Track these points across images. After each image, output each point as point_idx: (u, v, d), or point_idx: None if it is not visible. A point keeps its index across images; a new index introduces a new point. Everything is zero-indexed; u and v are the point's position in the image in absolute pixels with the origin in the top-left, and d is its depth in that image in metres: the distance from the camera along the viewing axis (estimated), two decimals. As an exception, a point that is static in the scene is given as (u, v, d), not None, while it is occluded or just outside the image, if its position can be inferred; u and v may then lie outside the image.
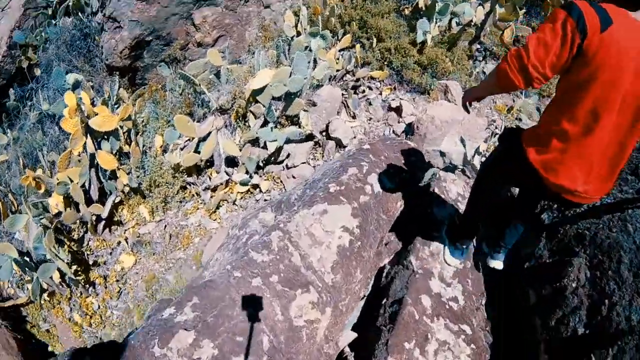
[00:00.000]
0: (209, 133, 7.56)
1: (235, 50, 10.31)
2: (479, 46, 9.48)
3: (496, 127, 8.08)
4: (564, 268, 3.70)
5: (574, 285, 3.56)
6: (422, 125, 7.09)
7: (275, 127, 7.51)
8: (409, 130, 7.37)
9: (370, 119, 8.14)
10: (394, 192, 5.05)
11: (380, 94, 8.51)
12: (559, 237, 4.06)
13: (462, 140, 6.70)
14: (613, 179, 2.98)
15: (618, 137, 2.76)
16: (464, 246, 4.43)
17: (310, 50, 8.08)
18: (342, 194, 4.62)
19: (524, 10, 9.55)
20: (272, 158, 7.61)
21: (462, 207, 4.94)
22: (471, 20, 8.95)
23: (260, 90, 7.32)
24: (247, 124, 7.73)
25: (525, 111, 8.38)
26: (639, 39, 2.46)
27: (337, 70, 8.45)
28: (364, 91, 8.50)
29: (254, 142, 7.59)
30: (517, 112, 8.38)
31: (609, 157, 2.84)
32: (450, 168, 6.79)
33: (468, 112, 3.61)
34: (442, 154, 6.96)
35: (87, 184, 7.39)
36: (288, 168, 7.63)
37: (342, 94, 8.13)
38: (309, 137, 7.71)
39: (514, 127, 4.12)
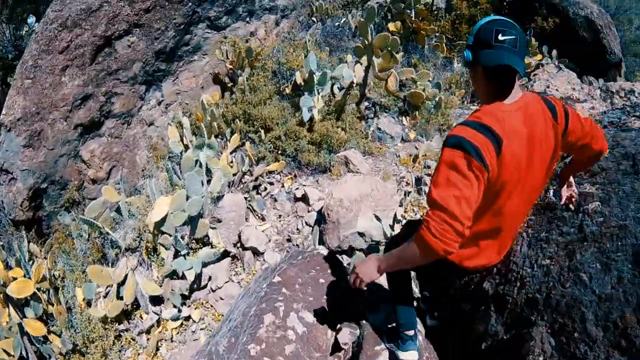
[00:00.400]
0: (126, 276, 7.21)
1: (130, 177, 9.98)
2: (367, 103, 9.40)
3: (407, 184, 7.95)
4: (525, 342, 3.26)
5: (541, 359, 3.14)
6: (332, 212, 6.86)
7: (188, 254, 7.18)
8: (321, 218, 7.17)
9: (280, 215, 7.88)
10: (322, 322, 4.76)
11: (283, 186, 8.25)
12: (509, 307, 3.57)
13: (377, 217, 6.53)
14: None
15: (524, 208, 3.06)
16: (410, 334, 3.76)
17: (201, 165, 7.83)
18: (264, 353, 4.33)
19: (401, 54, 9.57)
20: (195, 285, 7.29)
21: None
22: (352, 82, 8.83)
23: (163, 221, 7.01)
24: (159, 257, 7.39)
25: (432, 154, 8.31)
26: (526, 126, 2.63)
27: (234, 175, 8.19)
28: (265, 189, 8.22)
29: (172, 274, 7.25)
30: (423, 159, 8.30)
31: (516, 228, 3.21)
32: (373, 247, 6.60)
33: (361, 289, 3.14)
34: (361, 235, 6.77)
35: (24, 352, 6.94)
36: (213, 290, 7.28)
37: (245, 198, 7.87)
38: (225, 254, 7.39)
39: (416, 220, 3.96)
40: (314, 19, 12.93)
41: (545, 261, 3.51)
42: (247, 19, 11.92)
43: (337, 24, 12.46)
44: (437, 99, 9.32)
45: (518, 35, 2.53)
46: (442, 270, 3.48)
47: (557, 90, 7.57)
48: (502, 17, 2.65)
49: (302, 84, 8.80)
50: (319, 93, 8.64)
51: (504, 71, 2.55)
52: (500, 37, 2.52)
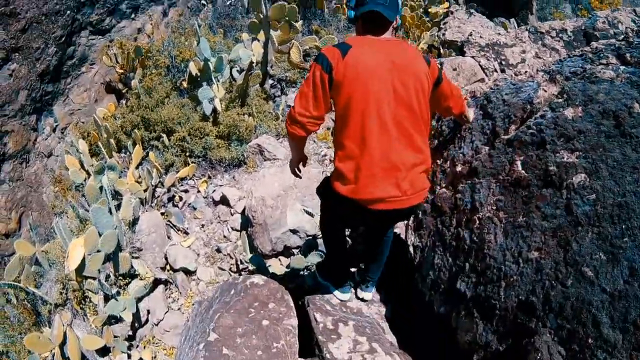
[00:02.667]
0: (65, 334, 6.14)
1: (41, 221, 8.60)
2: (271, 81, 8.31)
3: (330, 161, 6.96)
4: (529, 354, 2.60)
5: (551, 374, 2.48)
6: (256, 213, 5.78)
7: (118, 294, 6.09)
8: (247, 221, 6.10)
9: (203, 225, 6.75)
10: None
11: (199, 191, 7.09)
12: (498, 312, 2.89)
13: (306, 211, 5.62)
14: (420, 163, 3.11)
15: (399, 130, 2.97)
16: (346, 285, 4.24)
17: (106, 191, 6.64)
18: None
19: (300, 22, 8.50)
20: (136, 324, 6.22)
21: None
22: (251, 61, 7.70)
23: (82, 266, 5.88)
24: (91, 304, 6.29)
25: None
26: (380, 50, 2.93)
27: (145, 191, 7.01)
28: (181, 198, 7.06)
29: (110, 319, 6.17)
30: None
31: (401, 150, 2.98)
32: (310, 242, 5.68)
33: (300, 177, 3.85)
34: (294, 231, 5.76)
35: None
36: (156, 324, 6.26)
37: (162, 214, 6.73)
38: (156, 282, 6.33)
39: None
40: (203, 1, 11.64)
41: (532, 254, 2.82)
42: (132, 15, 10.55)
43: (228, 2, 11.25)
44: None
45: None
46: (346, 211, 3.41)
47: (481, 37, 6.80)
48: None
49: (198, 74, 7.64)
50: (217, 81, 7.49)
51: (375, 17, 2.93)
52: None
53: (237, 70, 8.05)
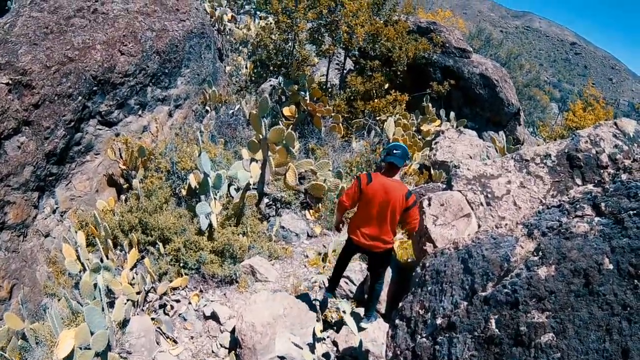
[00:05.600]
0: None
1: (32, 296, 8.41)
2: (267, 200, 8.46)
3: (320, 288, 7.06)
4: None
5: None
6: (245, 337, 5.81)
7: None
8: (236, 342, 6.11)
9: (192, 337, 6.69)
10: None
11: (190, 303, 7.09)
12: None
13: (295, 344, 5.69)
14: (382, 236, 5.58)
15: (379, 220, 5.53)
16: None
17: (100, 290, 6.61)
18: None
19: (297, 146, 8.75)
20: None
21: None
22: (248, 183, 7.87)
23: (70, 357, 5.80)
24: None
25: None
26: (384, 186, 5.39)
27: (138, 293, 7.01)
28: (172, 307, 7.04)
29: None
30: (333, 257, 7.44)
31: (374, 227, 5.59)
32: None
33: (340, 230, 6.33)
34: (282, 358, 5.79)
35: None
36: None
37: (152, 320, 6.71)
38: (142, 389, 6.22)
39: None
40: (207, 107, 11.89)
41: None
42: (140, 112, 10.77)
43: (231, 111, 11.50)
44: (340, 188, 8.55)
45: (401, 150, 5.53)
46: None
47: (468, 169, 6.88)
48: (397, 143, 5.89)
49: (197, 187, 7.77)
50: (215, 196, 7.61)
51: (392, 164, 5.50)
52: (394, 151, 5.52)
53: (235, 189, 8.17)
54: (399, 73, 13.88)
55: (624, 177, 4.43)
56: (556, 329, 2.99)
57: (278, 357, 5.75)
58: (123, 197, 9.64)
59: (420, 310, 4.96)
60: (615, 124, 6.83)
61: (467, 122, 15.10)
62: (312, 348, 5.76)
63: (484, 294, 3.95)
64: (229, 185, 8.09)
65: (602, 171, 6.30)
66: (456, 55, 16.15)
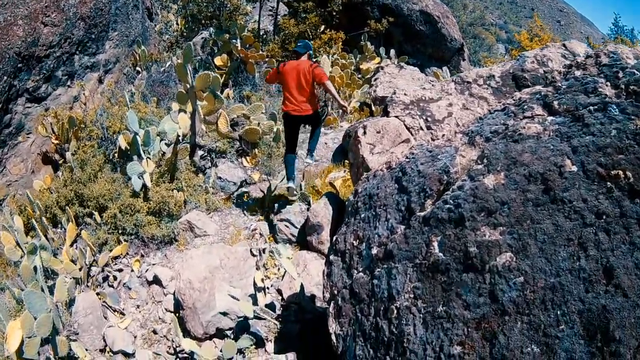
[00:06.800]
0: None
1: None
2: (201, 152, 7.96)
3: (260, 235, 6.65)
4: None
5: None
6: (185, 296, 5.40)
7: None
8: (178, 304, 5.71)
9: (138, 305, 6.27)
10: None
11: (132, 270, 6.64)
12: None
13: (233, 297, 5.29)
14: (307, 102, 6.95)
15: (299, 89, 6.89)
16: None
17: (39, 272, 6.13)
18: None
19: (228, 89, 8.22)
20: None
21: None
22: (178, 135, 7.34)
23: (20, 350, 5.38)
24: None
25: (282, 191, 7.05)
26: (293, 63, 6.95)
27: (80, 269, 6.52)
28: (115, 278, 6.58)
29: None
30: (272, 201, 7.00)
31: (298, 96, 6.91)
32: (243, 324, 5.35)
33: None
34: (225, 314, 5.40)
35: None
36: None
37: (97, 294, 6.27)
38: (97, 365, 5.83)
39: None
40: (138, 68, 11.22)
41: (455, 348, 2.46)
42: (69, 82, 10.07)
43: (162, 69, 10.86)
44: (275, 130, 8.05)
45: (303, 42, 7.32)
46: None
47: (405, 94, 6.29)
48: (302, 40, 8.17)
49: (128, 148, 7.23)
50: (148, 154, 7.09)
51: (297, 52, 7.22)
52: (298, 44, 7.33)
53: (166, 144, 7.65)
54: (334, 13, 13.33)
55: (577, 73, 3.76)
56: (514, 247, 2.45)
57: (220, 313, 5.37)
58: (59, 172, 9.08)
59: (354, 242, 4.30)
60: (564, 45, 6.17)
61: (409, 58, 14.57)
62: (254, 300, 5.36)
63: (422, 213, 3.37)
64: (161, 141, 7.54)
65: (551, 90, 5.69)
66: (395, -9, 15.55)
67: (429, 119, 5.97)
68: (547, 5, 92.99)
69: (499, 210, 2.67)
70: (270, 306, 5.51)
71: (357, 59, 13.46)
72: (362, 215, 4.42)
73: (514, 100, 3.82)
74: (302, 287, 5.22)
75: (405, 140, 5.97)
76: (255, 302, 5.31)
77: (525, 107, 3.49)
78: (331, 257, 4.64)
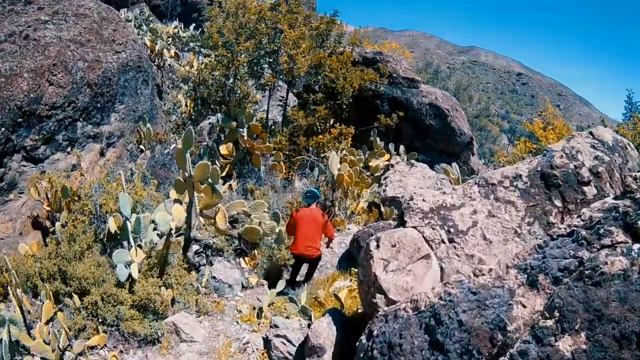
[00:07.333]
0: None
1: None
2: (197, 247, 7.74)
3: (253, 350, 6.37)
4: None
5: None
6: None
7: None
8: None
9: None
10: None
11: (109, 366, 6.29)
12: None
13: None
14: (315, 246, 8.13)
15: (309, 234, 8.05)
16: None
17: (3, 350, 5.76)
18: None
19: (229, 182, 8.11)
20: None
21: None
22: (171, 227, 7.13)
23: None
24: None
25: (281, 304, 6.82)
26: (306, 214, 8.16)
27: (52, 352, 6.11)
28: (91, 371, 6.23)
29: None
30: (269, 312, 6.79)
31: (308, 240, 8.01)
32: None
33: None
34: None
35: None
36: None
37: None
38: None
39: None
40: (142, 147, 11.10)
41: None
42: (69, 149, 9.89)
43: (166, 151, 10.76)
44: (277, 231, 7.91)
45: (310, 193, 8.69)
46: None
47: (424, 200, 5.57)
48: (309, 189, 9.58)
49: (118, 232, 6.99)
50: (137, 243, 6.84)
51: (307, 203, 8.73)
52: (307, 195, 8.74)
53: (158, 234, 7.41)
54: (344, 106, 13.38)
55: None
56: None
57: None
58: (48, 240, 8.78)
59: None
60: (591, 133, 5.75)
61: (418, 155, 14.67)
62: None
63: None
64: (154, 230, 7.30)
65: (584, 188, 5.17)
66: (404, 85, 15.81)
67: (452, 229, 5.30)
68: (546, 91, 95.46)
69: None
70: None
71: (366, 155, 13.46)
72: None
73: (582, 220, 3.20)
74: None
75: (425, 256, 5.24)
76: None
77: (602, 231, 2.82)
78: None
